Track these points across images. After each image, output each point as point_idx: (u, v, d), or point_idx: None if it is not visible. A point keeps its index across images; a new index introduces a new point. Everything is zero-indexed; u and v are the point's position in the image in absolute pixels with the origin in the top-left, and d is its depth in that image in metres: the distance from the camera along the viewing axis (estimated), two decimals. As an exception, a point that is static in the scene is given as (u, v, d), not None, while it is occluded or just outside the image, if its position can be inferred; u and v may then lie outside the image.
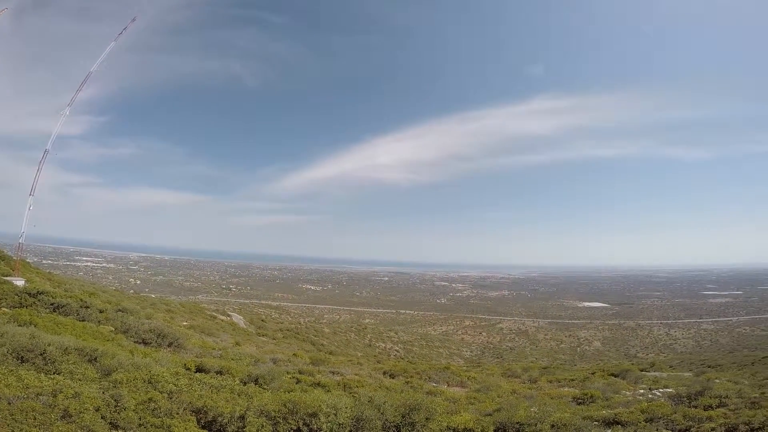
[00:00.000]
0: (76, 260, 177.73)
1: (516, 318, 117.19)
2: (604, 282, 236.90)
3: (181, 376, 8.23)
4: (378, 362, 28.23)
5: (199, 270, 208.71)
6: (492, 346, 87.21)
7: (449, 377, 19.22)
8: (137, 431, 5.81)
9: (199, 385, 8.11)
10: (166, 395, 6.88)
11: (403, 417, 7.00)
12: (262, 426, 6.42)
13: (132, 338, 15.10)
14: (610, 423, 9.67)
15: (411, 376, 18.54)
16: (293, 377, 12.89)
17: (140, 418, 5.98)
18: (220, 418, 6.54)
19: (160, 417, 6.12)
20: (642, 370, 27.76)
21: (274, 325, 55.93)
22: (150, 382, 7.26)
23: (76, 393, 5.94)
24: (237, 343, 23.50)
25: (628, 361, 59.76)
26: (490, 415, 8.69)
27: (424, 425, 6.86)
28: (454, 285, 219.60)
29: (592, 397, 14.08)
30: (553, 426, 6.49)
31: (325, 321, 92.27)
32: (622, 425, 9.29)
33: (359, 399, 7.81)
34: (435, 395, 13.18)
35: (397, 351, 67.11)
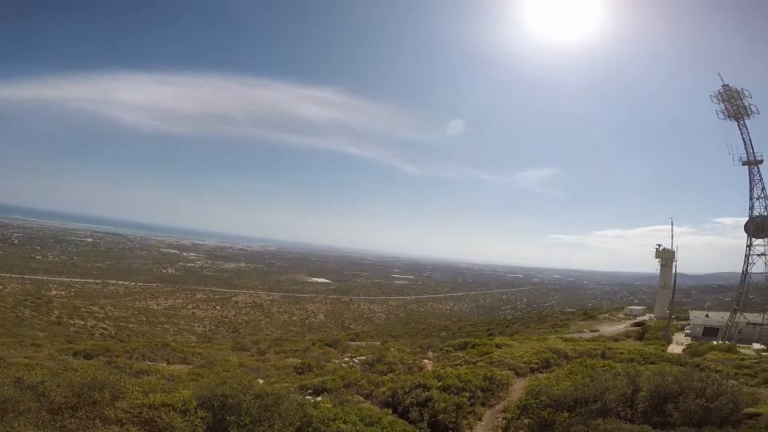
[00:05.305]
0: None
1: (252, 291, 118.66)
2: (329, 260, 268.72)
3: None
4: (69, 342, 22.13)
5: None
6: (227, 320, 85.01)
7: (170, 354, 17.25)
8: None
9: None
10: None
11: (79, 397, 5.85)
12: None
13: None
14: (319, 391, 10.86)
15: (117, 356, 15.52)
16: None
17: None
18: None
19: None
20: (350, 340, 33.75)
21: None
22: None
23: None
24: None
25: (343, 332, 71.37)
26: (210, 390, 8.37)
27: (110, 404, 5.89)
28: (185, 254, 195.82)
29: (309, 366, 15.62)
30: (257, 396, 6.80)
31: (-25, 291, 64.36)
32: (328, 392, 10.62)
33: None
34: (149, 374, 11.48)
35: (105, 329, 54.99)
